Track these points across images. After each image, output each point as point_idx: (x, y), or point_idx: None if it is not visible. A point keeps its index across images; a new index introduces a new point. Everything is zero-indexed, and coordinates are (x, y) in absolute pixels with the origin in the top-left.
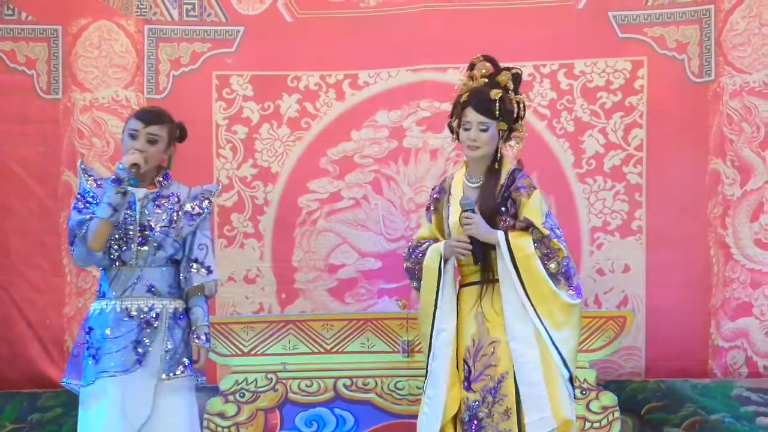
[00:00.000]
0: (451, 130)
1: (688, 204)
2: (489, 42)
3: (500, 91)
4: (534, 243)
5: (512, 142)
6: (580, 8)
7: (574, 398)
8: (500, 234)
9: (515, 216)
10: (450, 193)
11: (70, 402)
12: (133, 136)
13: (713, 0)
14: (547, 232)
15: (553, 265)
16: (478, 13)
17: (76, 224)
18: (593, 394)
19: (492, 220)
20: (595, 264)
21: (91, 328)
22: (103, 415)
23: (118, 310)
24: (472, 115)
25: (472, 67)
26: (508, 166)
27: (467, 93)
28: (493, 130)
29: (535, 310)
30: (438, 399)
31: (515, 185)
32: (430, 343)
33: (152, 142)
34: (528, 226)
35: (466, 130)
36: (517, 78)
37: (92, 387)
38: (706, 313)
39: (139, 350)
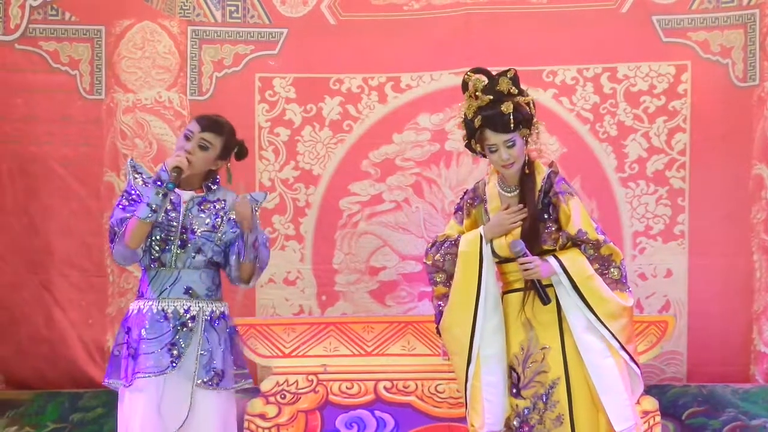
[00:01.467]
0: (472, 150)
1: (731, 209)
2: (531, 45)
3: (510, 102)
4: (590, 259)
5: (531, 138)
6: (624, 12)
7: None
8: (555, 264)
9: (557, 220)
10: (486, 202)
11: (112, 402)
12: (187, 137)
13: (758, 4)
14: (600, 237)
15: (615, 272)
16: (521, 16)
17: (117, 222)
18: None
19: (536, 227)
20: (637, 268)
21: (129, 328)
22: (139, 415)
23: (155, 310)
24: (494, 138)
25: (466, 86)
26: (541, 169)
27: (477, 115)
28: (519, 141)
29: (607, 327)
30: (499, 386)
31: (554, 190)
32: (473, 328)
33: (203, 147)
34: (580, 237)
35: (493, 151)
36: (516, 79)
37: (130, 387)
38: (748, 319)
39: (174, 352)
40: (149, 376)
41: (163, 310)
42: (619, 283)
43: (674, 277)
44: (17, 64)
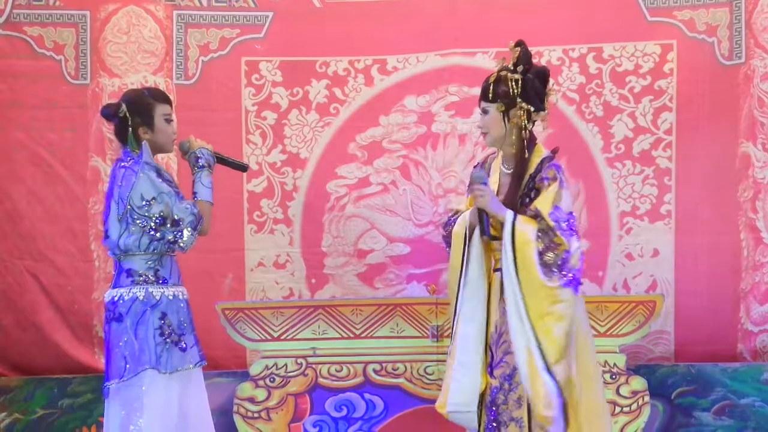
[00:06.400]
0: None
1: (718, 188)
2: (517, 26)
3: (496, 74)
4: (538, 232)
5: (538, 120)
6: None
7: (558, 390)
8: (509, 215)
9: None
10: (489, 176)
11: (101, 387)
12: (170, 120)
13: None
14: (552, 223)
15: (550, 256)
16: None
17: (195, 208)
18: (623, 379)
19: (513, 209)
20: (624, 249)
21: (164, 314)
22: (202, 402)
23: (187, 298)
24: (480, 103)
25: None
26: (540, 154)
27: None
28: (494, 114)
29: (523, 297)
30: (473, 367)
31: (539, 175)
32: (456, 308)
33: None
34: (536, 216)
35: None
36: (521, 54)
37: (183, 373)
38: (735, 297)
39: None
40: (202, 365)
41: (186, 298)
42: (549, 268)
43: (661, 256)
44: (1, 50)
